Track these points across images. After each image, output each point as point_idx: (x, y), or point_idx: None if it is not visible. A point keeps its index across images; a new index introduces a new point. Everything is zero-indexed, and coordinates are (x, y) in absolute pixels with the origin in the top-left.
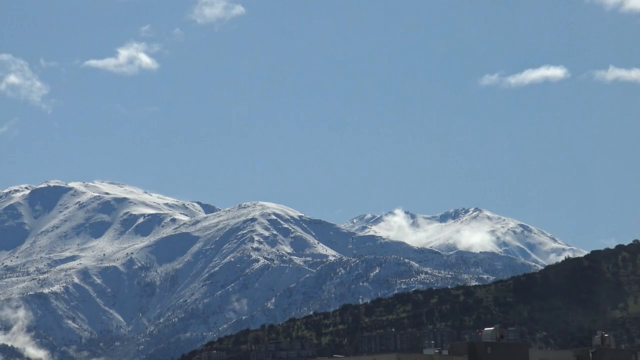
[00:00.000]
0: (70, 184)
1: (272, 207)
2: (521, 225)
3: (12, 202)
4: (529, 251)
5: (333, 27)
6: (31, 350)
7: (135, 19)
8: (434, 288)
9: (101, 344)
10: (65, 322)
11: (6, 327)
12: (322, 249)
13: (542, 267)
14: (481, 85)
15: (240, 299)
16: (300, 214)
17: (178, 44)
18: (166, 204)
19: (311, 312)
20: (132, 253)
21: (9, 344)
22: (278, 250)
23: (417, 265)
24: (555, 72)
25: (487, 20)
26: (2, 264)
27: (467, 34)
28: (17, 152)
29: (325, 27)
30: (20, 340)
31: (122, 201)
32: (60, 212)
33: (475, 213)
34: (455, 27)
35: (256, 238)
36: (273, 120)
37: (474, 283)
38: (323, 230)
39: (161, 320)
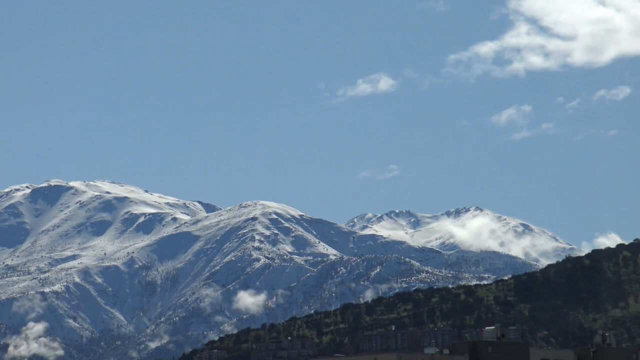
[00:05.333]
0: (71, 183)
1: (273, 206)
2: (522, 224)
3: (13, 201)
4: (529, 250)
5: (331, 30)
6: (32, 350)
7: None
8: (435, 287)
9: (102, 343)
10: (66, 321)
11: (7, 327)
12: (322, 248)
13: (543, 267)
14: (480, 83)
15: (241, 298)
16: (301, 213)
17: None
18: (167, 203)
19: (312, 311)
20: (133, 252)
21: (10, 343)
22: (279, 250)
23: (417, 264)
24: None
25: None
26: (3, 263)
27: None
28: (17, 151)
29: (322, 29)
30: (21, 340)
31: (123, 200)
32: (61, 211)
33: (476, 212)
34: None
35: (257, 237)
36: (274, 119)
37: (474, 282)
38: (324, 229)
39: (162, 320)
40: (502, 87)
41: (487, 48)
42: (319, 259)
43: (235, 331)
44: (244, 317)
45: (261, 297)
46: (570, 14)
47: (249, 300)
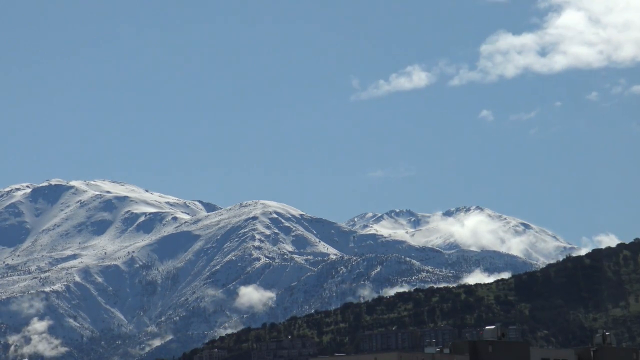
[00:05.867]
0: (72, 183)
1: (274, 205)
2: (522, 224)
3: (13, 200)
4: (530, 250)
5: (326, 30)
6: (32, 349)
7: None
8: (435, 286)
9: (102, 343)
10: (66, 321)
11: (7, 326)
12: (323, 247)
13: (544, 266)
14: (481, 82)
15: (241, 298)
16: (302, 213)
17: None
18: (167, 203)
19: (312, 311)
20: (133, 251)
21: (11, 342)
22: (279, 249)
23: (418, 263)
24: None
25: None
26: (4, 262)
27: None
28: (18, 151)
29: (318, 30)
30: (21, 339)
31: (123, 200)
32: (62, 210)
33: (476, 211)
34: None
35: (257, 236)
36: (274, 118)
37: (475, 282)
38: (324, 228)
39: (162, 319)
40: (535, 83)
41: (527, 39)
42: (320, 258)
43: (235, 330)
44: (245, 316)
45: (261, 296)
46: (625, 3)
47: (253, 295)
